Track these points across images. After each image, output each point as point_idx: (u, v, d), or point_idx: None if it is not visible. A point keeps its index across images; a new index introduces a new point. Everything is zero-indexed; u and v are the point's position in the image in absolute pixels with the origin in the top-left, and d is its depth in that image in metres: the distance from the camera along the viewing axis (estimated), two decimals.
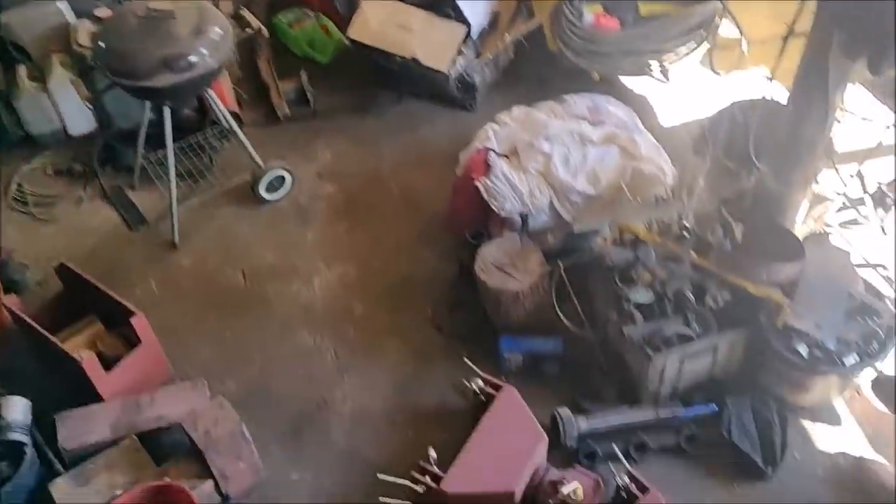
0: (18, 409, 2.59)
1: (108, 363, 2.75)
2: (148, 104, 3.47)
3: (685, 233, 2.75)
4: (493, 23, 4.05)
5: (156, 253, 3.47)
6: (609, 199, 3.07)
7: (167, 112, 3.24)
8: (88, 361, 2.64)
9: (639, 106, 3.80)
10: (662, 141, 3.34)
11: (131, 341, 2.84)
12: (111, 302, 2.86)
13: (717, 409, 2.76)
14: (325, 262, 3.40)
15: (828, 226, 3.23)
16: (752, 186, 2.98)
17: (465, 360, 2.89)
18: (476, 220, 3.21)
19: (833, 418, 2.83)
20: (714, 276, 2.72)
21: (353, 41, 3.97)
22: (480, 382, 2.69)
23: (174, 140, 3.35)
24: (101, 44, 3.09)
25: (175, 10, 3.01)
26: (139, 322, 2.77)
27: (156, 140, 3.62)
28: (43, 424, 2.64)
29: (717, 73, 3.75)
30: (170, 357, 2.96)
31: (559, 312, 2.83)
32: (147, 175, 3.69)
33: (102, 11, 3.65)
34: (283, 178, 3.65)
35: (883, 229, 3.29)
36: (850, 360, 2.65)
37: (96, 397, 2.69)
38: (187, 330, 3.14)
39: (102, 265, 3.32)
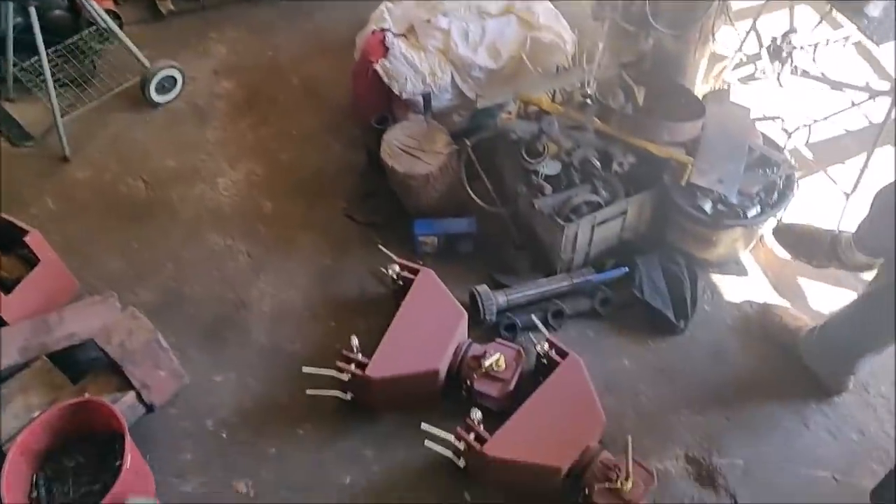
0: None
1: (8, 287, 2.64)
2: (10, 5, 3.21)
3: (588, 100, 2.74)
4: None
5: (47, 168, 3.29)
6: (511, 72, 3.02)
7: (33, 13, 3.01)
8: None
9: None
10: (560, 8, 3.28)
11: (30, 261, 2.73)
12: (3, 223, 2.72)
13: (628, 270, 2.83)
14: (228, 161, 3.29)
15: (727, 83, 3.27)
16: (650, 48, 2.97)
17: (381, 247, 2.87)
18: (379, 104, 3.13)
19: (739, 270, 2.94)
20: (618, 142, 2.73)
21: None
22: (397, 268, 2.68)
23: (48, 45, 3.14)
24: None
25: None
26: (34, 239, 2.65)
27: (27, 46, 3.38)
28: None
29: None
30: (76, 273, 2.85)
31: (470, 191, 2.82)
32: (23, 86, 3.45)
33: None
34: (173, 77, 3.48)
35: (780, 82, 3.35)
36: (753, 212, 2.73)
37: (0, 322, 2.59)
38: (91, 244, 3.03)
39: None
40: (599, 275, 2.81)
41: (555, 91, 2.84)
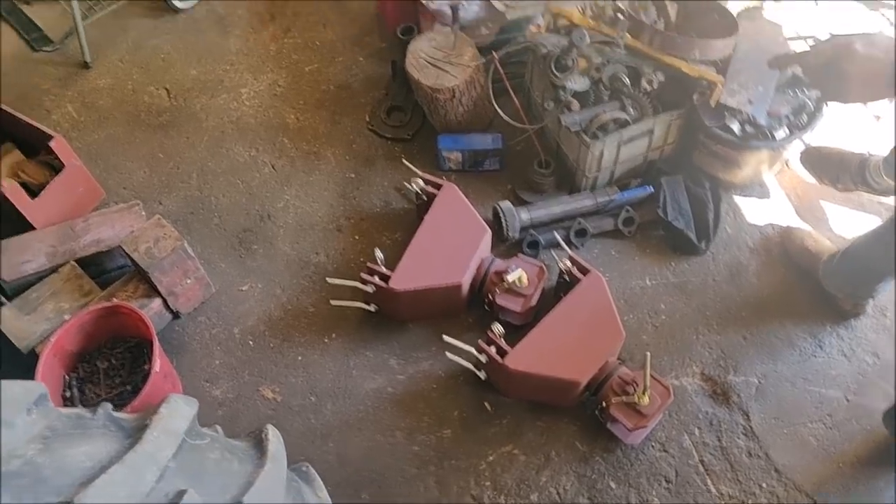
0: None
1: (34, 192, 2.65)
2: None
3: (619, 15, 2.68)
4: None
5: (68, 75, 3.26)
6: None
7: None
8: (11, 189, 2.54)
9: None
10: None
11: (55, 168, 2.74)
12: (27, 128, 2.71)
13: (652, 190, 2.82)
14: (251, 72, 3.26)
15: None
16: None
17: (405, 162, 2.87)
18: (406, 15, 3.08)
19: (763, 192, 2.93)
20: (649, 59, 2.68)
21: None
22: (421, 182, 2.68)
23: None
24: None
25: None
26: (59, 144, 2.65)
27: None
28: None
29: None
30: (101, 182, 2.87)
31: (496, 106, 2.79)
32: None
33: None
34: None
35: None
36: (781, 133, 2.70)
37: (27, 227, 2.62)
38: (115, 153, 3.03)
39: (10, 92, 3.13)
40: (624, 194, 2.80)
41: (586, 4, 2.77)
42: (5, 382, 1.15)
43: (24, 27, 3.38)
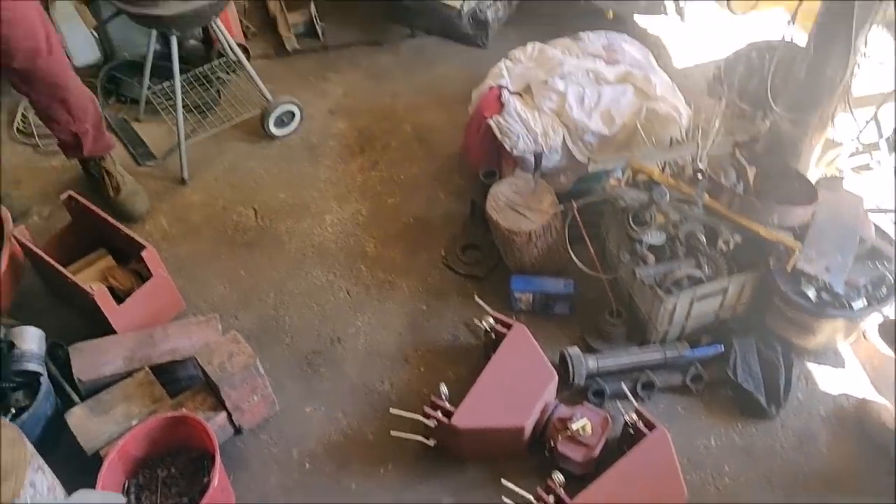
0: (33, 339, 2.60)
1: (120, 297, 2.77)
2: (154, 34, 3.42)
3: (699, 175, 2.74)
4: None
5: (165, 188, 3.45)
6: (623, 139, 3.05)
7: (174, 42, 3.18)
8: (100, 294, 2.66)
9: (653, 45, 3.76)
10: (677, 81, 3.31)
11: (143, 276, 2.86)
12: (121, 236, 2.86)
13: (723, 349, 2.79)
14: (337, 200, 3.39)
15: (840, 170, 3.23)
16: (766, 129, 2.97)
17: (477, 299, 2.91)
18: (489, 158, 3.20)
19: (837, 361, 2.87)
20: (726, 220, 2.72)
21: None
22: (491, 321, 2.71)
23: (180, 72, 3.30)
24: None
25: None
26: (149, 255, 2.77)
27: (161, 72, 3.59)
28: (56, 357, 2.67)
29: (734, 13, 3.68)
30: (182, 293, 2.98)
31: (571, 253, 2.84)
32: (153, 108, 3.64)
33: None
34: (292, 113, 3.62)
35: None
36: (858, 304, 2.67)
37: (110, 330, 2.72)
38: (199, 266, 3.15)
39: None
40: (694, 350, 2.78)
41: (666, 162, 2.85)
42: (84, 492, 1.18)
43: (131, 141, 3.61)
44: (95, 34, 3.69)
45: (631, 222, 2.69)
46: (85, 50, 3.82)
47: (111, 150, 3.31)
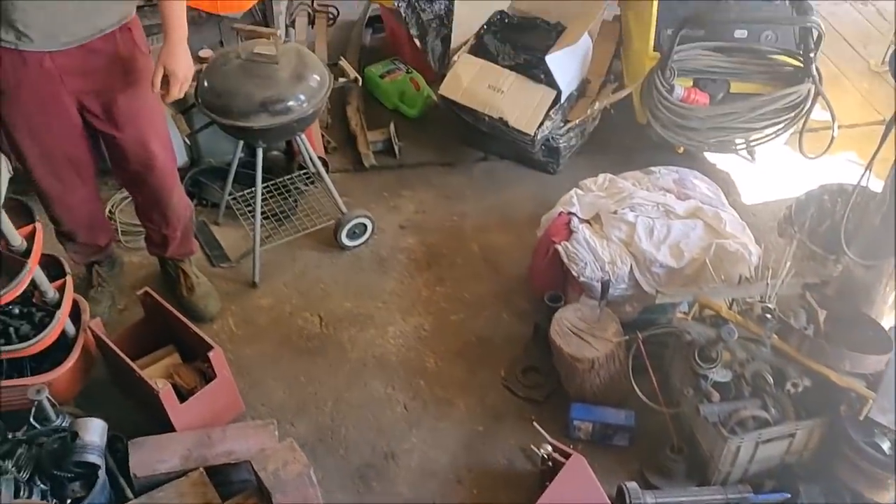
0: (96, 431, 2.63)
1: (182, 395, 2.82)
2: (240, 144, 3.60)
3: (767, 315, 2.71)
4: (582, 89, 4.12)
5: (236, 290, 3.54)
6: (692, 273, 3.04)
7: (260, 153, 3.35)
8: (165, 392, 2.70)
9: (723, 182, 3.80)
10: (746, 219, 3.32)
11: (206, 375, 2.91)
12: (190, 334, 2.93)
13: (788, 497, 2.69)
14: (401, 313, 3.44)
15: None
16: (838, 273, 2.94)
17: (535, 424, 2.88)
18: (555, 283, 3.23)
19: None
20: (795, 362, 2.67)
21: (443, 97, 4.06)
22: (549, 448, 2.67)
23: (261, 181, 3.45)
24: (205, 82, 3.22)
25: (278, 55, 3.13)
26: (216, 357, 2.83)
27: (243, 179, 3.76)
28: (115, 449, 2.70)
29: (806, 156, 3.71)
30: (242, 394, 3.01)
31: (634, 384, 2.80)
32: (232, 212, 3.79)
33: (205, 52, 3.81)
34: (364, 225, 3.72)
35: None
36: None
37: (169, 427, 2.75)
38: (262, 369, 3.20)
39: None
40: (757, 496, 2.68)
41: (734, 300, 2.83)
42: None
43: (209, 243, 3.75)
44: (187, 141, 3.88)
45: (697, 357, 2.66)
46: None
47: (193, 255, 3.44)
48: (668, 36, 3.65)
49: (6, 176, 2.53)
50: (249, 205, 3.69)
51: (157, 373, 2.97)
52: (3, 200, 2.50)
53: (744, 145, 3.84)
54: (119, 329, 3.12)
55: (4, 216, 2.58)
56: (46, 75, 2.60)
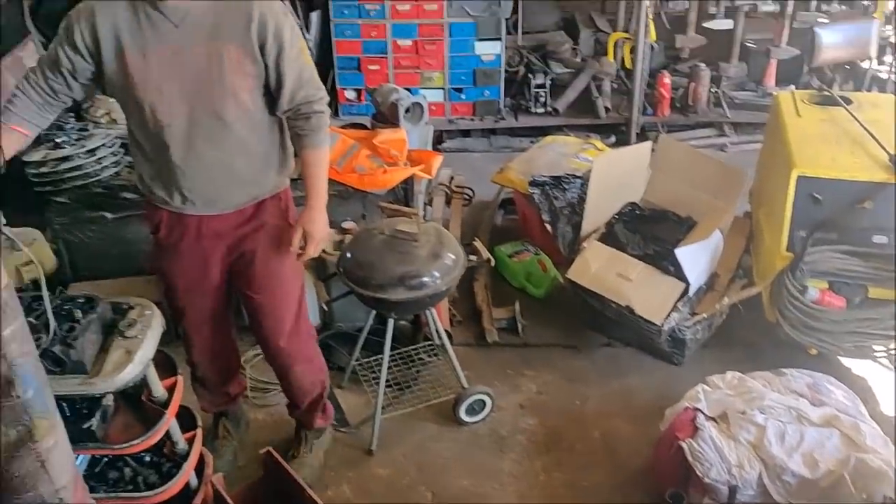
0: None
1: None
2: (374, 313, 3.74)
3: None
4: (711, 283, 4.13)
5: (353, 456, 3.58)
6: (827, 486, 2.88)
7: (391, 323, 3.48)
8: None
9: (860, 389, 3.64)
10: (887, 432, 3.15)
11: None
12: (306, 498, 2.95)
13: None
14: (518, 496, 3.37)
15: None
16: None
17: None
18: (677, 480, 3.11)
19: None
20: None
21: (570, 281, 4.14)
22: None
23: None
24: (348, 254, 3.43)
25: (419, 234, 3.32)
26: None
27: (370, 345, 3.88)
28: None
29: None
30: None
31: None
32: (356, 378, 3.89)
33: (348, 224, 4.07)
34: (483, 402, 3.74)
35: None
36: None
37: None
38: None
39: None
40: None
41: None
42: None
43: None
44: (324, 307, 4.07)
45: None
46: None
47: (313, 430, 3.47)
48: (801, 237, 3.66)
49: (159, 331, 2.72)
50: (374, 372, 3.79)
51: None
52: (153, 354, 2.68)
53: (884, 354, 3.71)
54: (237, 486, 3.18)
55: (152, 368, 2.75)
56: (201, 236, 2.87)
